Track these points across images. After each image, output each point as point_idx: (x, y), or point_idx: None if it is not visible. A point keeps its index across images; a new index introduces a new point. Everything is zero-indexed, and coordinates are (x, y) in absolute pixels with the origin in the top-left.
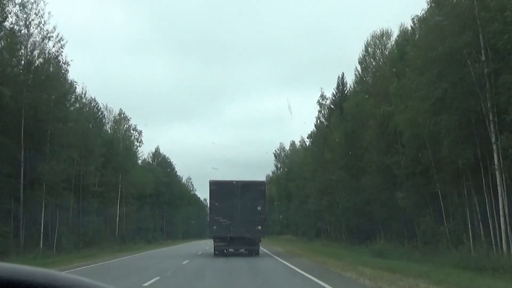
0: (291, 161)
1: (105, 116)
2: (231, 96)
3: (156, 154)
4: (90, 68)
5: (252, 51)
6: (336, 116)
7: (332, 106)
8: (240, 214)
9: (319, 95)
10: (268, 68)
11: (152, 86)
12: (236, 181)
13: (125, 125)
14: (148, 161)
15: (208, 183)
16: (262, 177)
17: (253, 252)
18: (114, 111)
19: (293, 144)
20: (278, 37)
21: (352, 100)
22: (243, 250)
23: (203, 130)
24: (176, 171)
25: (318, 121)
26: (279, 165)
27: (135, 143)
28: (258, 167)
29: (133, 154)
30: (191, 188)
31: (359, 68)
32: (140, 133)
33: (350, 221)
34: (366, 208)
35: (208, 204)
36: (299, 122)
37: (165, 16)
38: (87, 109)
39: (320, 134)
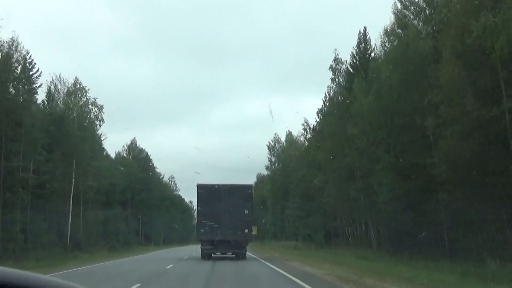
0: (287, 154)
1: (58, 89)
2: (217, 99)
3: (132, 146)
4: (71, 67)
5: (239, 52)
6: (359, 79)
7: (351, 70)
8: (227, 217)
9: (332, 59)
10: (254, 71)
11: (135, 87)
12: (224, 185)
13: (82, 98)
14: (123, 155)
15: (196, 187)
16: (247, 181)
17: (240, 255)
18: (68, 82)
19: (289, 134)
20: (265, 39)
21: (395, 47)
22: (230, 253)
23: (188, 133)
24: (156, 167)
25: (332, 91)
26: (273, 159)
27: (95, 121)
28: (244, 171)
29: (91, 136)
30: (174, 188)
31: (398, 5)
32: (101, 108)
33: (394, 219)
34: (428, 199)
35: (195, 207)
36: (284, 126)
37: (149, 16)
38: (16, 65)
39: (339, 104)
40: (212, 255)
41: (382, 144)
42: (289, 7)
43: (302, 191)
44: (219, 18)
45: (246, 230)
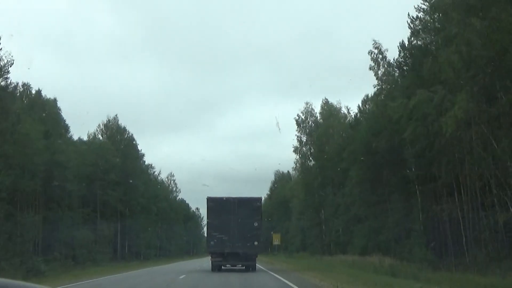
0: (326, 127)
1: None
2: (223, 107)
3: (110, 125)
4: (72, 75)
5: (245, 58)
6: None
7: None
8: (237, 230)
9: None
10: (261, 77)
11: (139, 96)
12: (233, 198)
13: None
14: (97, 137)
15: (206, 200)
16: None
17: (250, 267)
18: None
19: (327, 104)
20: (272, 44)
21: None
22: (240, 265)
23: (194, 143)
24: (144, 155)
25: None
26: (304, 138)
27: None
28: (252, 181)
29: None
30: (174, 189)
31: None
32: None
33: None
34: None
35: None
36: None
37: (152, 22)
38: None
39: None
40: (222, 267)
41: None
42: (296, 11)
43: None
44: (224, 24)
45: (256, 243)
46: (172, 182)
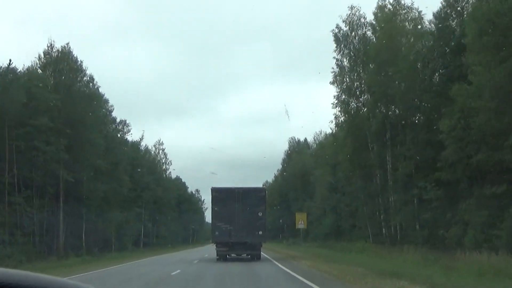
0: (389, 37)
1: None
2: (226, 91)
3: (55, 53)
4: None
5: (247, 35)
6: None
7: None
8: (242, 220)
9: None
10: (265, 55)
11: (138, 80)
12: (237, 188)
13: None
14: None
15: (210, 190)
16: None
17: (255, 257)
18: None
19: (382, 7)
20: (275, 19)
21: None
22: (245, 255)
23: (198, 128)
24: (109, 102)
25: None
26: (345, 61)
27: None
28: (258, 166)
29: None
30: (164, 161)
31: None
32: None
33: None
34: None
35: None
36: (301, 118)
37: (149, 1)
38: None
39: None
40: (227, 256)
41: None
42: None
43: None
44: (223, 3)
45: (260, 232)
46: (160, 151)
